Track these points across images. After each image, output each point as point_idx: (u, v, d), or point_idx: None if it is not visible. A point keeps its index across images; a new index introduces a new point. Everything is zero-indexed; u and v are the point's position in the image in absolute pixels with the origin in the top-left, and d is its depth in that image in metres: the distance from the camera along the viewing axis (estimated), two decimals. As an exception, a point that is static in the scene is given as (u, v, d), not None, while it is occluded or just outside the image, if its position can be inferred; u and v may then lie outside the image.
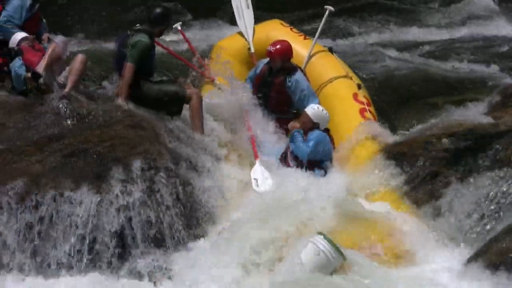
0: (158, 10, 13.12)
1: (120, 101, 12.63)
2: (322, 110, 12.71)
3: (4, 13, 13.46)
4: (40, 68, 12.67)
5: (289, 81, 13.30)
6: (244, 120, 13.39)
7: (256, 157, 12.83)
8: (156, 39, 13.26)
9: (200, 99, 12.82)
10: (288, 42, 13.44)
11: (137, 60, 12.58)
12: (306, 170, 12.49)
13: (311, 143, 12.53)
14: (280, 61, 13.30)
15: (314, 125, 12.66)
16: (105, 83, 14.15)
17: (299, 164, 12.57)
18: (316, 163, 12.54)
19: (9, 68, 13.02)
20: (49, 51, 12.78)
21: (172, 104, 12.71)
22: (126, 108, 12.57)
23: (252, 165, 12.84)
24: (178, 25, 14.76)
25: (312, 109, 12.70)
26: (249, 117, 13.42)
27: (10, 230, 10.86)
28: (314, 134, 12.54)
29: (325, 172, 12.49)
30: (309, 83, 13.38)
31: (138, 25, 13.05)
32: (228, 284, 10.75)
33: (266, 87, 13.48)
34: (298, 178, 12.35)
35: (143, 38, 12.69)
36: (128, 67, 12.57)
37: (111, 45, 16.87)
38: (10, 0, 13.51)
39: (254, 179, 12.49)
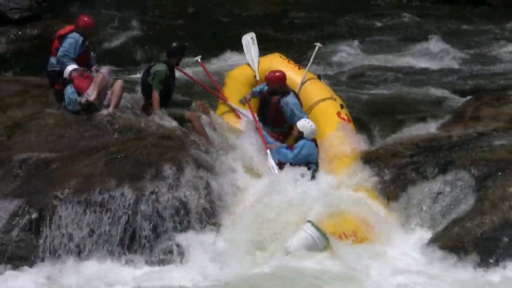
0: (174, 44, 13.44)
1: (155, 114, 12.94)
2: (308, 122, 12.89)
3: (61, 49, 13.45)
4: (93, 97, 12.79)
5: (282, 101, 13.34)
6: (253, 119, 13.71)
7: (265, 146, 13.15)
8: (180, 68, 13.65)
9: (198, 120, 13.11)
10: (282, 72, 13.56)
11: (159, 87, 13.02)
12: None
13: (295, 150, 12.73)
14: (274, 85, 13.41)
15: (300, 134, 12.84)
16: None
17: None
18: (302, 164, 12.66)
19: (63, 93, 13.17)
20: (98, 82, 12.91)
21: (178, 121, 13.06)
22: (161, 120, 12.80)
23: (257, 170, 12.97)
24: (198, 58, 14.80)
25: (299, 122, 12.93)
26: (255, 118, 13.70)
27: (67, 219, 11.03)
28: (300, 143, 12.77)
29: (312, 173, 12.57)
30: (299, 103, 13.42)
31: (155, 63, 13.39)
32: (235, 265, 10.98)
33: (266, 106, 13.56)
34: (292, 179, 12.38)
35: (161, 67, 13.12)
36: (154, 93, 12.99)
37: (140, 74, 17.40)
38: (66, 38, 13.49)
39: (271, 167, 12.81)
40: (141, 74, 13.71)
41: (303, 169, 12.54)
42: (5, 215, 10.96)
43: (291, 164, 12.71)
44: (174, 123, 12.87)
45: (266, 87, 13.65)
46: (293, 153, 12.78)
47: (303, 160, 12.73)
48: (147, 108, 13.18)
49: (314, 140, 12.95)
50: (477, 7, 25.15)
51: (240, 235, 11.37)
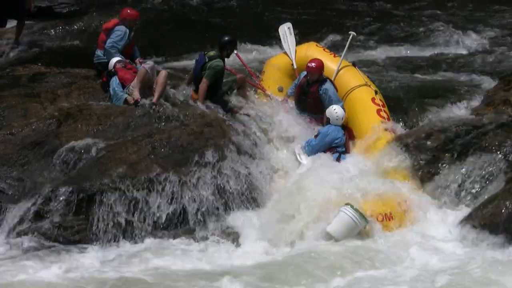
0: (225, 37, 13.61)
1: (199, 104, 13.17)
2: (334, 109, 13.07)
3: (109, 40, 13.63)
4: (137, 95, 12.92)
5: (320, 90, 13.50)
6: (283, 106, 13.82)
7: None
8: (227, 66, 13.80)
9: (245, 85, 13.73)
10: (321, 60, 13.66)
11: (211, 79, 13.22)
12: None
13: (318, 137, 12.94)
14: (316, 75, 13.52)
15: (328, 120, 13.09)
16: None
17: None
18: (331, 149, 12.84)
19: (109, 85, 13.34)
20: (140, 77, 13.01)
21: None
22: (203, 109, 13.02)
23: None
24: (234, 51, 14.59)
25: (328, 109, 13.17)
26: (286, 106, 13.80)
27: (115, 204, 11.20)
28: (324, 129, 13.03)
29: (339, 156, 12.77)
30: (336, 91, 13.55)
31: (209, 51, 13.50)
32: (275, 245, 11.18)
33: (304, 95, 13.66)
34: (325, 162, 12.56)
35: (219, 63, 13.32)
36: (203, 82, 13.20)
37: (181, 63, 17.57)
38: (113, 30, 13.68)
39: (298, 154, 12.91)
40: (194, 64, 13.80)
41: (331, 155, 12.74)
42: (57, 200, 11.12)
43: (317, 150, 12.87)
44: (216, 111, 13.04)
45: (303, 77, 13.76)
46: (316, 141, 12.97)
47: (328, 145, 12.90)
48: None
49: (343, 126, 13.12)
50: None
51: (279, 217, 11.54)
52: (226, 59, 13.68)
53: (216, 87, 13.37)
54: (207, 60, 13.35)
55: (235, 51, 14.51)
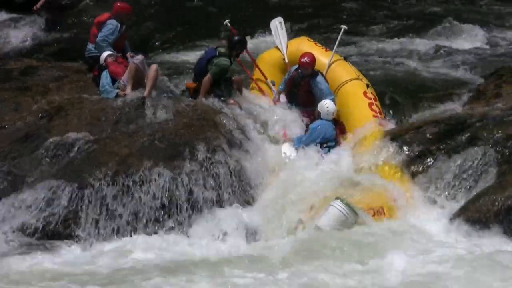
0: (236, 37, 13.57)
1: (201, 97, 13.11)
2: (325, 103, 13.08)
3: (100, 34, 13.62)
4: (129, 91, 12.93)
5: (312, 83, 13.54)
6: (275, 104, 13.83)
7: (284, 135, 13.20)
8: (240, 61, 13.93)
9: (242, 85, 13.65)
10: (312, 55, 13.65)
11: (215, 76, 13.15)
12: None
13: (308, 132, 12.98)
14: (309, 69, 13.53)
15: (319, 114, 13.10)
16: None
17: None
18: (322, 144, 12.81)
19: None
20: (132, 72, 13.02)
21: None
22: (208, 103, 12.96)
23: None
24: (227, 22, 14.95)
25: (319, 103, 13.18)
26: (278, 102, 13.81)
27: (106, 197, 11.16)
28: (314, 124, 13.07)
29: (329, 150, 12.76)
30: (327, 84, 13.56)
31: (221, 47, 13.45)
32: (265, 239, 11.23)
33: (296, 88, 13.69)
34: (316, 157, 12.61)
35: (226, 61, 13.24)
36: (207, 78, 13.14)
37: (175, 56, 17.51)
38: (104, 24, 13.67)
39: (284, 153, 12.84)
40: (203, 56, 13.71)
41: (321, 149, 12.73)
42: (48, 194, 11.09)
43: (308, 144, 12.84)
44: (208, 104, 12.97)
45: (294, 70, 13.76)
46: (305, 136, 12.97)
47: (318, 139, 12.87)
48: (195, 92, 13.35)
49: (335, 120, 13.13)
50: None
51: (270, 211, 11.56)
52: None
53: (216, 84, 13.27)
54: (216, 54, 13.28)
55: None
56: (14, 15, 20.62)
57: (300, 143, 12.93)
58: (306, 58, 13.54)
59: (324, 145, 12.85)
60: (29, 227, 10.89)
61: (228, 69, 13.35)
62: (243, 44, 13.58)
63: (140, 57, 13.42)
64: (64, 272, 10.07)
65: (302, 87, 13.63)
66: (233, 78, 13.65)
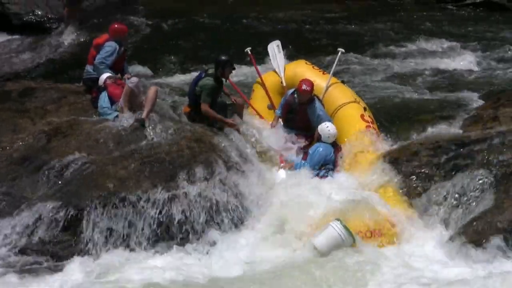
0: (218, 57, 13.32)
1: (211, 115, 13.09)
2: (326, 126, 13.10)
3: (99, 56, 13.63)
4: (125, 110, 12.91)
5: (309, 108, 13.51)
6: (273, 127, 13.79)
7: (281, 161, 13.23)
8: (232, 81, 13.82)
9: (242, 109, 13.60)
10: (311, 83, 13.52)
11: (207, 100, 13.06)
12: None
13: (309, 155, 12.97)
14: (307, 97, 13.47)
15: (319, 137, 13.11)
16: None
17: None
18: (320, 167, 12.83)
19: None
20: (127, 95, 12.97)
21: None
22: (190, 125, 12.95)
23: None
24: (248, 49, 14.94)
25: (320, 126, 13.17)
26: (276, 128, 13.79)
27: (103, 219, 11.14)
28: (314, 146, 13.07)
29: (327, 173, 12.78)
30: (324, 109, 13.54)
31: (211, 68, 13.29)
32: (263, 259, 11.13)
33: (293, 113, 13.70)
34: (314, 179, 12.61)
35: (208, 81, 13.09)
36: (203, 106, 13.09)
37: (175, 79, 17.55)
38: (103, 46, 13.68)
39: (281, 179, 12.81)
40: (191, 82, 13.72)
41: (319, 172, 12.75)
42: (46, 215, 11.07)
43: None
44: (206, 127, 13.00)
45: (290, 94, 13.76)
46: (306, 162, 12.95)
47: (318, 162, 12.88)
48: (191, 115, 13.35)
49: (334, 143, 13.15)
50: (497, 11, 25.17)
51: (268, 232, 11.60)
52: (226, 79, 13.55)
53: (213, 105, 13.21)
54: (203, 76, 13.25)
55: (249, 51, 14.75)
56: (11, 37, 20.79)
57: (301, 168, 12.90)
58: (305, 86, 13.44)
59: (323, 168, 12.84)
60: (27, 248, 10.88)
61: (215, 89, 13.17)
62: (223, 64, 13.16)
63: (134, 79, 13.36)
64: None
65: (299, 113, 13.61)
66: (234, 99, 13.63)
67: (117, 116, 13.01)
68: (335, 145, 13.21)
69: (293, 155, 13.39)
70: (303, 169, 12.81)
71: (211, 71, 13.25)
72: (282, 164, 13.14)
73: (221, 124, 13.16)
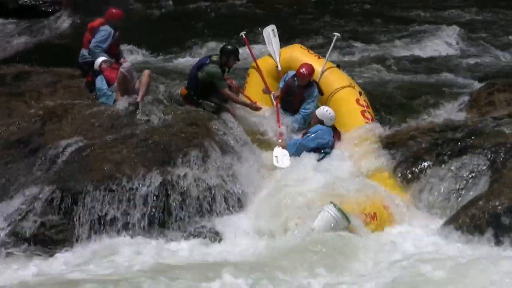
0: (227, 46, 13.42)
1: (241, 97, 13.39)
2: (327, 110, 13.15)
3: (94, 40, 13.60)
4: (118, 96, 12.94)
5: (306, 92, 13.60)
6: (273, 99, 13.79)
7: (279, 125, 13.37)
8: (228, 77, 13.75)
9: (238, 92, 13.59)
10: (311, 66, 13.64)
11: (223, 85, 13.15)
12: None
13: (309, 135, 12.96)
14: (307, 80, 13.56)
15: (319, 121, 13.10)
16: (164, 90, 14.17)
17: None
18: (318, 149, 12.86)
19: (94, 84, 13.34)
20: (120, 81, 13.01)
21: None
22: (185, 109, 12.96)
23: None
24: (243, 33, 14.83)
25: (319, 110, 13.20)
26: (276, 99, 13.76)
27: (99, 203, 11.14)
28: (315, 128, 13.04)
29: (324, 156, 12.78)
30: (317, 96, 13.62)
31: (214, 55, 13.33)
32: (260, 244, 11.14)
33: (290, 96, 13.72)
34: (310, 162, 12.64)
35: (216, 69, 13.09)
36: (224, 91, 13.17)
37: (168, 61, 17.53)
38: (98, 30, 13.66)
39: (275, 156, 12.83)
40: (193, 66, 13.64)
41: (317, 155, 12.77)
42: (40, 200, 11.05)
43: (304, 150, 12.90)
44: (202, 110, 12.98)
45: (290, 77, 13.80)
46: (305, 140, 12.97)
47: (315, 143, 12.90)
48: (188, 98, 13.29)
49: (333, 127, 13.14)
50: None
51: (264, 216, 11.54)
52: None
53: (214, 89, 13.21)
54: (207, 62, 13.22)
55: (243, 35, 14.65)
56: (6, 21, 20.75)
57: (295, 147, 12.95)
58: (305, 70, 13.54)
59: (322, 151, 12.86)
60: (22, 232, 10.86)
61: (220, 74, 13.11)
62: (228, 54, 13.27)
63: (127, 64, 13.39)
64: (58, 277, 10.07)
65: (297, 95, 13.66)
66: (230, 83, 13.59)
67: (115, 100, 13.01)
68: (335, 129, 13.20)
69: (293, 135, 13.41)
70: (302, 153, 12.85)
71: (215, 57, 13.24)
72: (279, 142, 13.14)
73: (216, 108, 13.12)
